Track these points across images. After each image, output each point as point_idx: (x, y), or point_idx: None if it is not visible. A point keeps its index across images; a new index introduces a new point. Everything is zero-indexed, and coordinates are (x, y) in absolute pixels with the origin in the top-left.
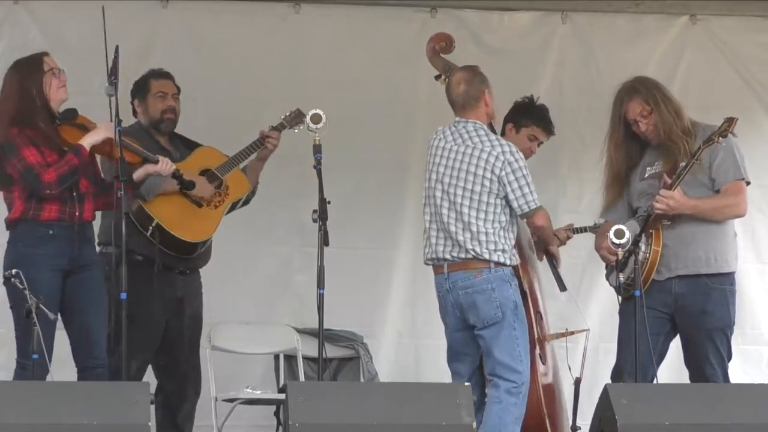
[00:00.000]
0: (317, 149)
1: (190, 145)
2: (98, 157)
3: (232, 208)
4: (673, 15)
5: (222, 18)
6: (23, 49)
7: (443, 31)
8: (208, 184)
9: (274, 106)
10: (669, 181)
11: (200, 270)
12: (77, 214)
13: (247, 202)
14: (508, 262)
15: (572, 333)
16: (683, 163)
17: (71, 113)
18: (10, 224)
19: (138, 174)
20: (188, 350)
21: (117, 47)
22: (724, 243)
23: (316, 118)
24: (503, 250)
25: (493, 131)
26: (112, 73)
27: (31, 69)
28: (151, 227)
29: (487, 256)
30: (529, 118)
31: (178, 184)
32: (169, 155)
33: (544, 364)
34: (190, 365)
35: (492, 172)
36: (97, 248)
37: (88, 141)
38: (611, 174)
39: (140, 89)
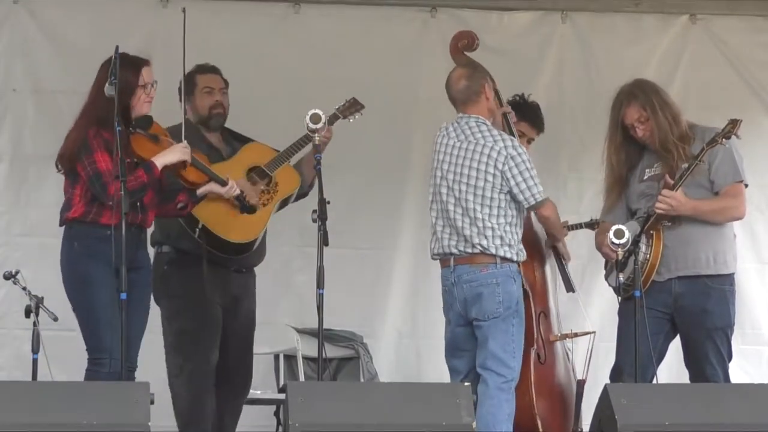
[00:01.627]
0: (317, 149)
1: (241, 140)
2: None
3: (284, 204)
4: (673, 15)
5: (222, 18)
6: (23, 49)
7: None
8: (253, 186)
9: (274, 105)
10: (671, 181)
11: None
12: (139, 219)
13: (303, 195)
14: (514, 257)
15: (577, 335)
16: (685, 165)
17: (147, 121)
18: (67, 222)
19: (202, 191)
20: (242, 349)
21: (117, 47)
22: (724, 244)
23: (315, 118)
24: (510, 245)
25: (509, 125)
26: (112, 73)
27: (128, 73)
28: (197, 229)
29: (493, 251)
30: (519, 115)
31: (240, 208)
32: (219, 153)
33: (543, 364)
34: (242, 364)
35: (495, 167)
36: (152, 249)
37: (161, 161)
38: (611, 177)
39: (187, 85)
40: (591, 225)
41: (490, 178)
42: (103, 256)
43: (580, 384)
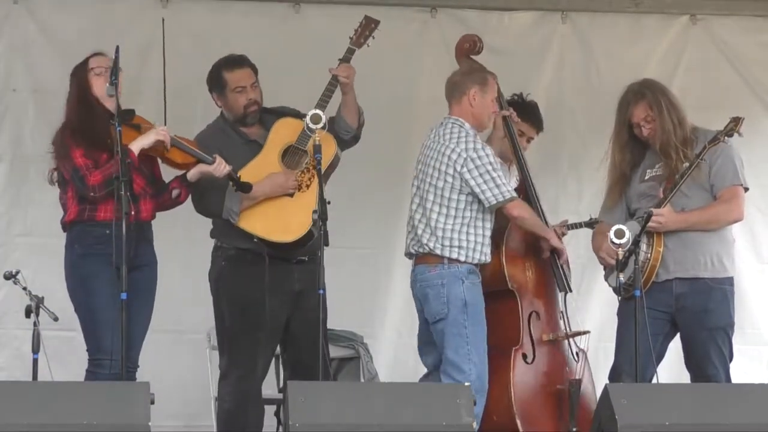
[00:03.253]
0: (317, 149)
1: (275, 114)
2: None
3: (330, 171)
4: (673, 15)
5: (222, 18)
6: (23, 49)
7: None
8: (287, 172)
9: (273, 105)
10: (660, 196)
11: (200, 272)
12: (133, 213)
13: (355, 139)
14: (463, 258)
15: (572, 335)
16: (686, 164)
17: (128, 113)
18: (66, 226)
19: (192, 174)
20: (313, 343)
21: (117, 47)
22: (723, 248)
23: (316, 118)
24: (460, 247)
25: (509, 128)
26: (112, 73)
27: (78, 71)
28: (255, 240)
29: (439, 252)
30: (518, 114)
31: (233, 186)
32: (257, 145)
33: (530, 364)
34: (313, 357)
35: (454, 168)
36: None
37: (136, 145)
38: (614, 176)
39: (216, 83)
40: (591, 224)
41: (449, 179)
42: (103, 257)
43: (574, 384)
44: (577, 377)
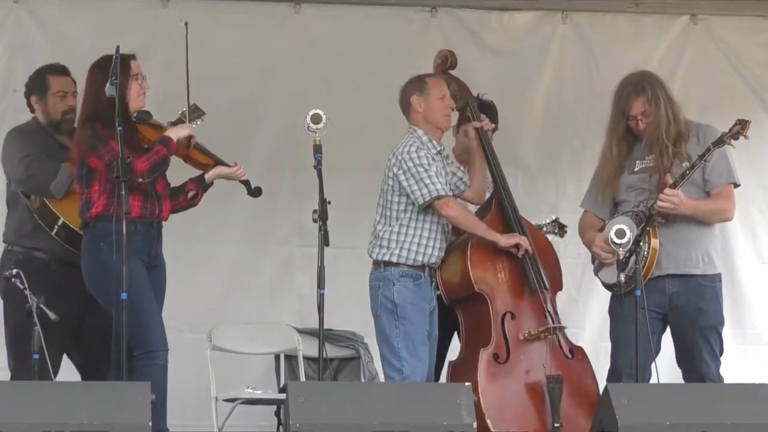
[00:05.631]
0: (317, 149)
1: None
2: None
3: None
4: (673, 15)
5: (222, 18)
6: (23, 49)
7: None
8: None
9: (274, 105)
10: (669, 180)
11: (200, 272)
12: (157, 212)
13: None
14: (395, 260)
15: (544, 331)
16: (687, 164)
17: (146, 114)
18: (90, 221)
19: (210, 175)
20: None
21: (117, 47)
22: (713, 244)
23: (316, 118)
24: (393, 249)
25: (482, 138)
26: (113, 73)
27: (121, 69)
28: (56, 226)
29: (375, 256)
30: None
31: (247, 191)
32: (69, 153)
33: (503, 364)
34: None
35: (391, 170)
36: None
37: (174, 134)
38: (609, 168)
39: (38, 86)
40: (553, 227)
41: (390, 182)
42: (131, 252)
43: (552, 380)
44: (556, 373)
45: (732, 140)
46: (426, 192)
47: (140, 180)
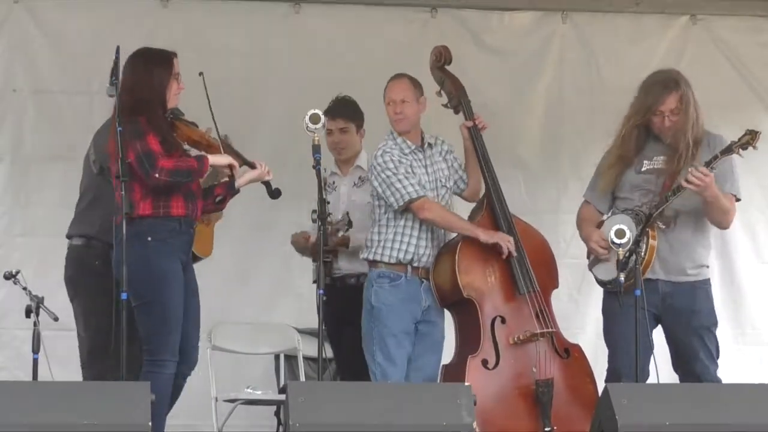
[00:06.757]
0: (316, 149)
1: None
2: None
3: None
4: (674, 15)
5: (222, 18)
6: (23, 49)
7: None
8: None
9: (274, 105)
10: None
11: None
12: (196, 212)
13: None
14: (378, 258)
15: (531, 335)
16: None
17: (179, 112)
18: (135, 219)
19: (240, 182)
20: None
21: (118, 47)
22: (705, 252)
23: (314, 118)
24: (374, 248)
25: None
26: (113, 73)
27: (165, 64)
28: None
29: (363, 256)
30: (332, 112)
31: (267, 192)
32: None
33: (492, 369)
34: None
35: (370, 174)
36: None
37: (213, 160)
38: (617, 160)
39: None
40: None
41: (371, 186)
42: (176, 252)
43: (542, 384)
44: (546, 377)
45: (741, 150)
46: (399, 196)
47: (157, 175)
